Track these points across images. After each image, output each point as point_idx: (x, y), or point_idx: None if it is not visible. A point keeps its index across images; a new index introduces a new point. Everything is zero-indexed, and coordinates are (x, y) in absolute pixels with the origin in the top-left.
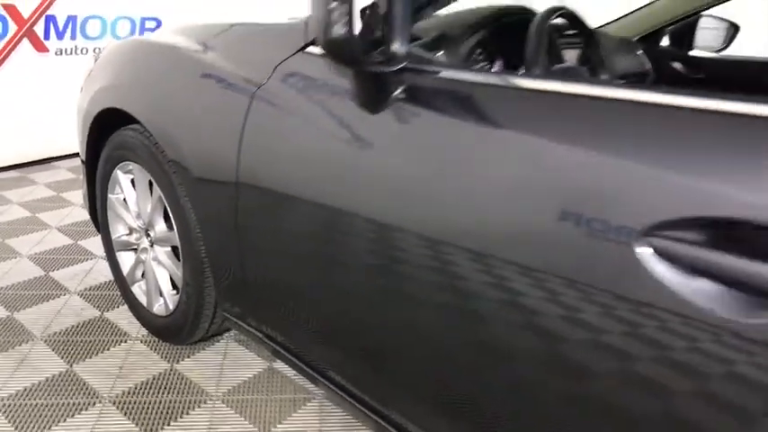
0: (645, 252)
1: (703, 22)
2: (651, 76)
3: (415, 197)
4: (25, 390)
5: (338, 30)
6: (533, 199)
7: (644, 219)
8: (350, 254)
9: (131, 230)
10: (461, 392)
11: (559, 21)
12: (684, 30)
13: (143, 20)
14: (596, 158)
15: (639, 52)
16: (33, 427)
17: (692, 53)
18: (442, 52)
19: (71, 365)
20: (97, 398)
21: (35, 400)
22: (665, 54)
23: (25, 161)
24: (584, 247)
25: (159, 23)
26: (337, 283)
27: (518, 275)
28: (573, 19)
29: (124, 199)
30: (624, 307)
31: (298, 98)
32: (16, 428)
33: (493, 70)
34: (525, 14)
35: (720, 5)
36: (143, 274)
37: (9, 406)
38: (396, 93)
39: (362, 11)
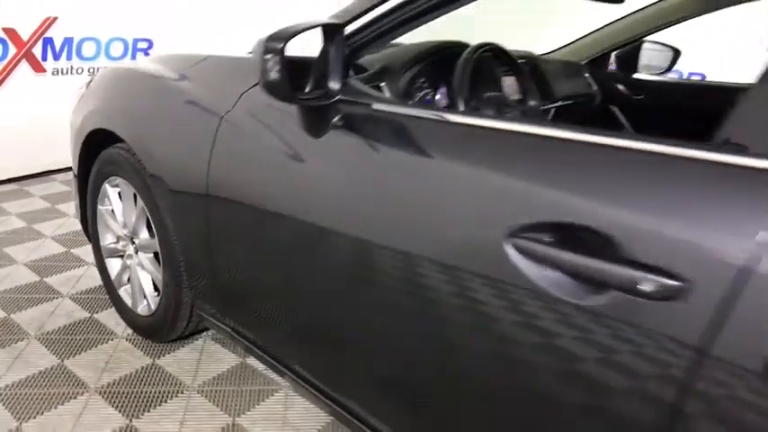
0: (510, 249)
1: (647, 47)
2: (598, 97)
3: (348, 206)
4: (20, 381)
5: (273, 75)
6: (438, 207)
7: (509, 223)
8: (304, 257)
9: (118, 238)
10: (404, 380)
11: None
12: (630, 54)
13: (135, 41)
14: (479, 176)
15: (586, 75)
16: (28, 413)
17: (636, 75)
18: (384, 83)
19: (62, 360)
20: (85, 388)
21: (29, 389)
22: (611, 76)
23: (22, 174)
24: (477, 247)
25: (151, 44)
26: (296, 284)
27: (432, 270)
28: (500, 53)
29: (112, 210)
30: (501, 291)
31: (257, 122)
32: (12, 414)
33: (437, 98)
34: (462, 49)
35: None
36: (129, 279)
37: (6, 395)
38: (334, 120)
39: None
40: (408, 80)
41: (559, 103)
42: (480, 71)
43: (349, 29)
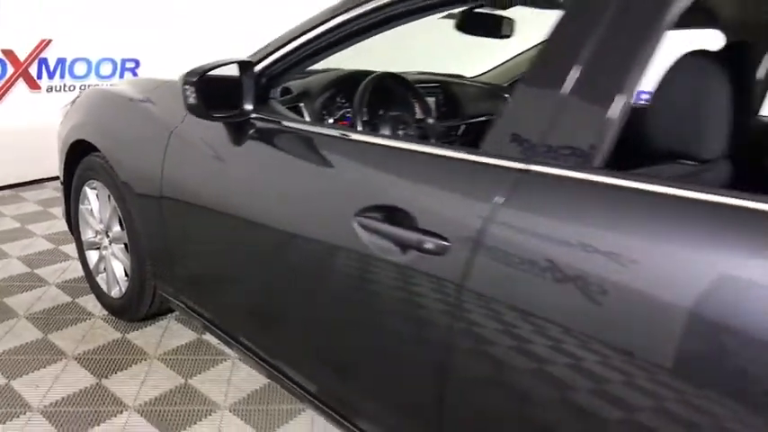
0: (356, 225)
1: None
2: None
3: (260, 201)
4: (9, 350)
5: (191, 100)
6: (316, 197)
7: (355, 206)
8: (235, 245)
9: (96, 233)
10: (317, 342)
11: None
12: None
13: (123, 61)
14: (344, 174)
15: (506, 96)
16: (15, 373)
17: None
18: (302, 104)
19: (46, 335)
20: (64, 355)
21: (17, 356)
22: None
23: (18, 182)
24: (335, 224)
25: (138, 64)
26: (233, 268)
27: (312, 244)
28: (400, 81)
29: (91, 209)
30: (350, 256)
31: (197, 136)
32: (2, 374)
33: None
34: (368, 76)
35: None
36: (104, 268)
37: None
38: (250, 132)
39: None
40: (322, 102)
41: (470, 121)
42: (387, 94)
43: (269, 60)
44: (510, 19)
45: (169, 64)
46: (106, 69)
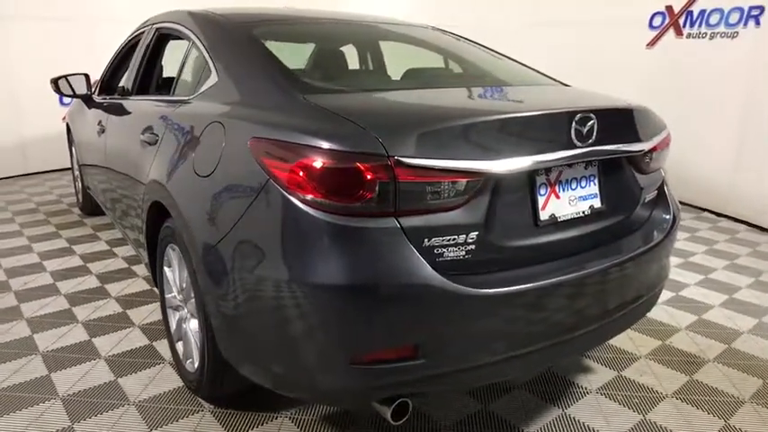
0: (96, 129)
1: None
2: None
3: (98, 143)
4: None
5: (54, 89)
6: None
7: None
8: (101, 156)
9: (72, 163)
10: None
11: None
12: None
13: None
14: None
15: None
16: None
17: None
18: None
19: (23, 231)
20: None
21: None
22: None
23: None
24: (130, 145)
25: None
26: (101, 176)
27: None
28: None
29: (72, 151)
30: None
31: (82, 109)
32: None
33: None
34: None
35: None
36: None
37: None
38: (92, 103)
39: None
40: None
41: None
42: None
43: (104, 72)
44: None
45: None
46: None
